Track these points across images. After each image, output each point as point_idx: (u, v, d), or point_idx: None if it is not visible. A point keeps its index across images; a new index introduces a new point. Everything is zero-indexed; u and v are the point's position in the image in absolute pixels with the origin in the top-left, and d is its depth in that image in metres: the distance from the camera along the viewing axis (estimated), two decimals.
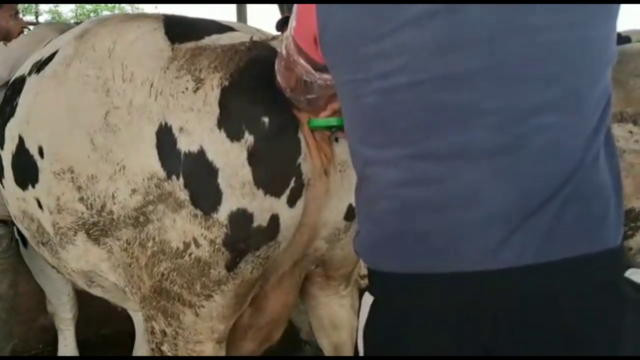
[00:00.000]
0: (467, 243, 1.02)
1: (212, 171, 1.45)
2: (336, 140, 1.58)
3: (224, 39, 1.63)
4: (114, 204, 1.58)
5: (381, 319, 1.14)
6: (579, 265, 1.00)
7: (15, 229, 2.44)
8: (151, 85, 1.54)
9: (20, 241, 2.56)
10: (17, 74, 2.14)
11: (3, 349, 2.34)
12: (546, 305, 1.00)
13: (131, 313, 2.76)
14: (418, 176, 1.05)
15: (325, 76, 1.27)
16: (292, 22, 1.23)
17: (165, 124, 1.48)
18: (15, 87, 2.07)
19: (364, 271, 4.05)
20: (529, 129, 0.98)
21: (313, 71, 1.27)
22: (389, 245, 1.12)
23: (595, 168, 1.01)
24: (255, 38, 1.58)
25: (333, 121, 1.46)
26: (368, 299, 1.17)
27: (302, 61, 1.26)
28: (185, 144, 1.46)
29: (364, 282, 3.90)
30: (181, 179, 1.47)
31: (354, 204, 1.65)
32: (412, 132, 1.03)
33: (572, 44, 0.98)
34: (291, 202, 1.52)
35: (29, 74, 2.00)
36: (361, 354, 1.18)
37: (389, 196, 1.09)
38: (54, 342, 2.95)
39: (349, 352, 2.00)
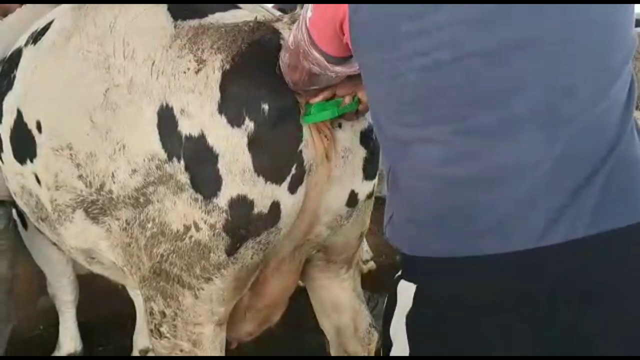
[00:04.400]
0: (517, 221, 1.06)
1: (212, 156, 1.49)
2: (339, 126, 1.62)
3: (227, 17, 1.66)
4: (114, 183, 1.63)
5: (428, 306, 1.15)
6: (629, 236, 1.05)
7: (14, 210, 2.50)
8: (152, 64, 1.57)
9: (19, 222, 2.61)
10: (14, 47, 2.15)
11: (3, 330, 2.40)
12: (603, 276, 1.05)
13: (132, 294, 2.83)
14: (461, 152, 1.07)
15: (338, 68, 1.31)
16: (307, 13, 1.26)
17: (167, 104, 1.52)
18: (13, 59, 2.09)
19: (366, 256, 4.08)
20: (570, 103, 1.03)
21: (326, 63, 1.30)
22: (433, 229, 1.14)
23: (632, 142, 1.08)
24: (259, 18, 1.60)
25: (327, 115, 1.50)
26: (407, 286, 1.18)
27: (315, 53, 1.28)
28: (186, 127, 1.50)
29: (366, 267, 3.95)
30: (182, 162, 1.51)
31: (356, 190, 1.72)
32: (454, 108, 1.06)
33: (604, 23, 1.04)
34: (292, 189, 1.56)
35: (25, 45, 2.03)
36: (401, 342, 1.19)
37: (430, 177, 1.12)
38: (54, 323, 3.04)
39: (350, 335, 2.05)
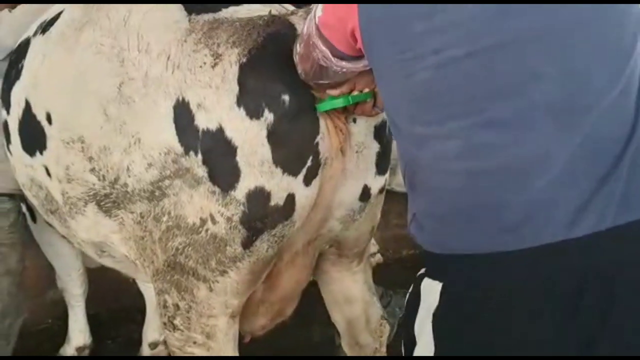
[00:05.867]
0: (544, 214, 1.07)
1: (231, 149, 1.53)
2: (354, 120, 1.65)
3: (242, 11, 1.68)
4: (129, 177, 1.66)
5: (457, 304, 1.16)
6: None
7: (23, 204, 2.53)
8: (168, 58, 1.60)
9: (28, 216, 2.64)
10: (22, 37, 2.19)
11: (13, 324, 2.43)
12: (631, 266, 1.07)
13: (142, 287, 2.86)
14: (481, 146, 1.09)
15: (343, 63, 1.34)
16: (318, 11, 1.30)
17: (183, 99, 1.55)
18: (21, 49, 2.12)
19: (373, 249, 4.11)
20: (586, 90, 1.06)
21: (330, 56, 1.33)
22: (458, 225, 1.15)
23: None
24: (273, 12, 1.63)
25: (339, 102, 1.53)
26: (431, 284, 1.20)
27: (321, 45, 1.32)
28: (204, 121, 1.53)
29: (374, 261, 4.01)
30: (199, 156, 1.54)
31: (369, 185, 1.75)
32: (471, 102, 1.09)
33: (616, 9, 1.06)
34: (307, 181, 1.59)
35: (34, 35, 2.06)
36: (426, 340, 1.20)
37: (452, 171, 1.13)
38: (63, 316, 3.07)
39: (362, 327, 2.08)
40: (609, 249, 1.07)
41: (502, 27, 1.05)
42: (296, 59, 1.49)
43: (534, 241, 1.08)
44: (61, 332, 3.08)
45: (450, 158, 1.13)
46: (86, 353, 3.00)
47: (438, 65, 1.09)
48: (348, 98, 1.53)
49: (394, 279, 2.73)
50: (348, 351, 2.17)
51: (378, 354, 2.11)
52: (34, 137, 1.93)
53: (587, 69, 1.06)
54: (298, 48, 1.46)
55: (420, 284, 1.23)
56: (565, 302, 1.08)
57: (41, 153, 1.92)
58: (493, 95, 1.08)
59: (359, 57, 1.31)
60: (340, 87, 1.52)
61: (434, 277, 1.21)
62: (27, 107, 1.95)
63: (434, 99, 1.13)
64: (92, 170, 1.75)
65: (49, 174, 1.93)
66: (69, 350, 2.99)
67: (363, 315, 2.08)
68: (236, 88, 1.52)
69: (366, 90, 1.53)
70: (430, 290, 1.20)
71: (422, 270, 1.25)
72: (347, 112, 1.60)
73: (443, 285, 1.18)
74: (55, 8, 2.07)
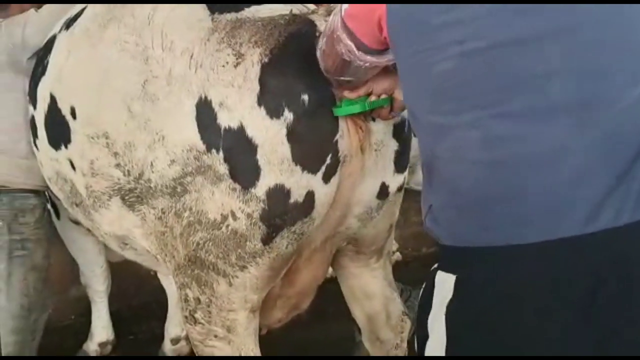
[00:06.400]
0: (561, 208, 1.08)
1: (251, 147, 1.57)
2: (373, 119, 1.67)
3: (263, 10, 1.72)
4: (152, 172, 1.70)
5: (470, 296, 1.17)
6: None
7: (48, 200, 2.58)
8: (191, 57, 1.64)
9: (52, 212, 2.69)
10: (49, 35, 2.24)
11: (38, 319, 2.47)
12: None
13: (164, 283, 2.91)
14: (497, 137, 1.11)
15: (368, 57, 1.37)
16: (345, 5, 1.33)
17: (205, 97, 1.60)
18: (47, 46, 2.18)
19: (393, 247, 4.08)
20: (602, 88, 1.07)
21: (355, 49, 1.36)
22: (474, 216, 1.16)
23: None
24: (295, 11, 1.66)
25: (356, 108, 1.56)
26: (445, 277, 1.21)
27: (345, 38, 1.35)
28: (225, 120, 1.58)
29: (393, 258, 4.00)
30: (221, 153, 1.59)
31: (387, 183, 1.78)
32: (489, 93, 1.11)
33: (635, 10, 1.08)
34: (326, 179, 1.62)
35: (59, 31, 2.12)
36: (439, 333, 1.21)
37: (468, 162, 1.15)
38: (86, 312, 3.11)
39: (382, 322, 2.09)
40: (626, 244, 1.08)
41: (520, 24, 1.08)
42: (319, 55, 1.51)
43: (550, 235, 1.09)
44: (84, 328, 3.11)
45: (466, 149, 1.15)
46: (108, 349, 3.04)
47: (460, 55, 1.12)
48: (365, 104, 1.57)
49: (414, 277, 2.74)
50: (369, 347, 2.18)
51: (399, 349, 2.12)
52: (58, 131, 1.99)
53: (603, 67, 1.08)
54: (321, 44, 1.49)
55: (434, 278, 1.24)
56: (581, 297, 1.08)
57: (66, 147, 1.98)
58: (509, 89, 1.10)
59: (383, 50, 1.34)
60: (357, 90, 1.56)
61: (447, 270, 1.22)
62: (53, 102, 2.00)
63: (454, 89, 1.15)
64: (118, 165, 1.80)
65: (73, 167, 1.98)
66: (91, 346, 3.03)
67: (383, 311, 2.09)
68: (257, 87, 1.56)
69: (383, 96, 1.57)
70: (444, 284, 1.21)
71: (436, 265, 1.26)
72: (364, 114, 1.63)
73: (457, 278, 1.19)
74: (80, 5, 2.12)
